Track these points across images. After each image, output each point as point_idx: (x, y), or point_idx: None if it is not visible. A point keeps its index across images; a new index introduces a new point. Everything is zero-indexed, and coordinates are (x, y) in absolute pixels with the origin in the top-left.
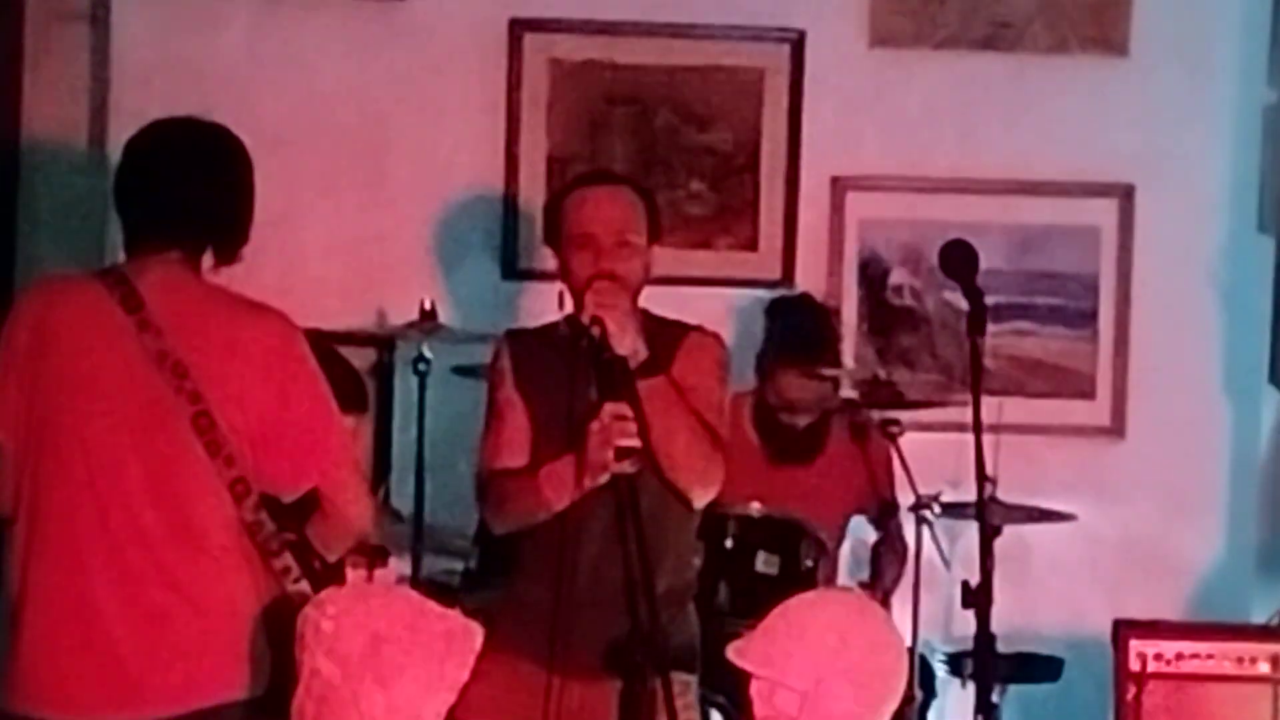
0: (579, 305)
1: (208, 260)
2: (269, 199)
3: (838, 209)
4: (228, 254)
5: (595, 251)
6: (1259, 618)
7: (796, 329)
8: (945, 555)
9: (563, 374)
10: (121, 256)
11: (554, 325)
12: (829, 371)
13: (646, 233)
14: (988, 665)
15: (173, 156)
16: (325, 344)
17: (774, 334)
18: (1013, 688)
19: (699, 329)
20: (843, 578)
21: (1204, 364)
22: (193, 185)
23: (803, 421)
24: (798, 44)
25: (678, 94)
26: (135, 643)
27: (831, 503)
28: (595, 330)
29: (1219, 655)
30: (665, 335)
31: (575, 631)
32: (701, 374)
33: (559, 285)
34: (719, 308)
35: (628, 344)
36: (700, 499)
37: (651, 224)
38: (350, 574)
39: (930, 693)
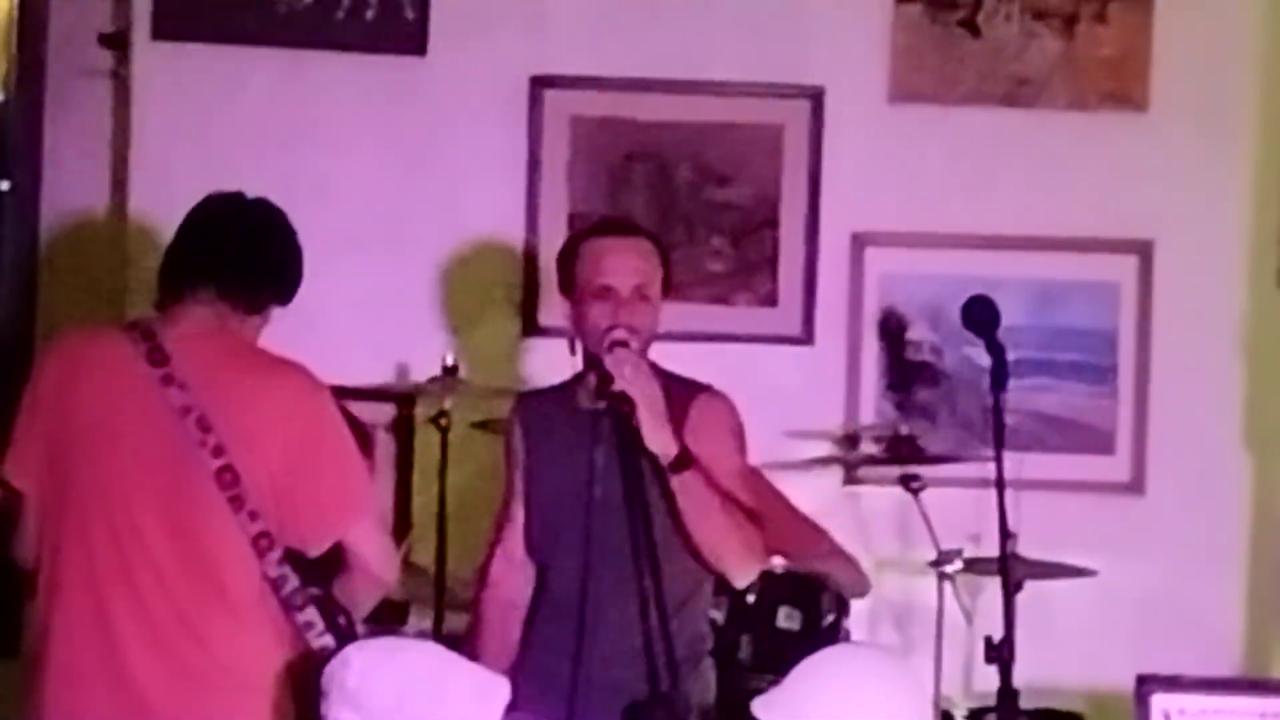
0: (593, 360)
1: (237, 311)
2: None
3: (857, 264)
4: (254, 306)
5: (614, 303)
6: None
7: None
8: (967, 611)
9: (577, 444)
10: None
11: (569, 386)
12: None
13: (660, 285)
14: None
15: (217, 217)
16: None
17: None
18: None
19: (708, 390)
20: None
21: (1224, 420)
22: (231, 239)
23: None
24: (817, 100)
25: (698, 150)
26: (162, 696)
27: None
28: (625, 409)
29: (1242, 711)
30: (674, 394)
31: (593, 697)
32: (717, 443)
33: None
34: (739, 364)
35: (661, 441)
36: (743, 579)
37: (665, 276)
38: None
39: None
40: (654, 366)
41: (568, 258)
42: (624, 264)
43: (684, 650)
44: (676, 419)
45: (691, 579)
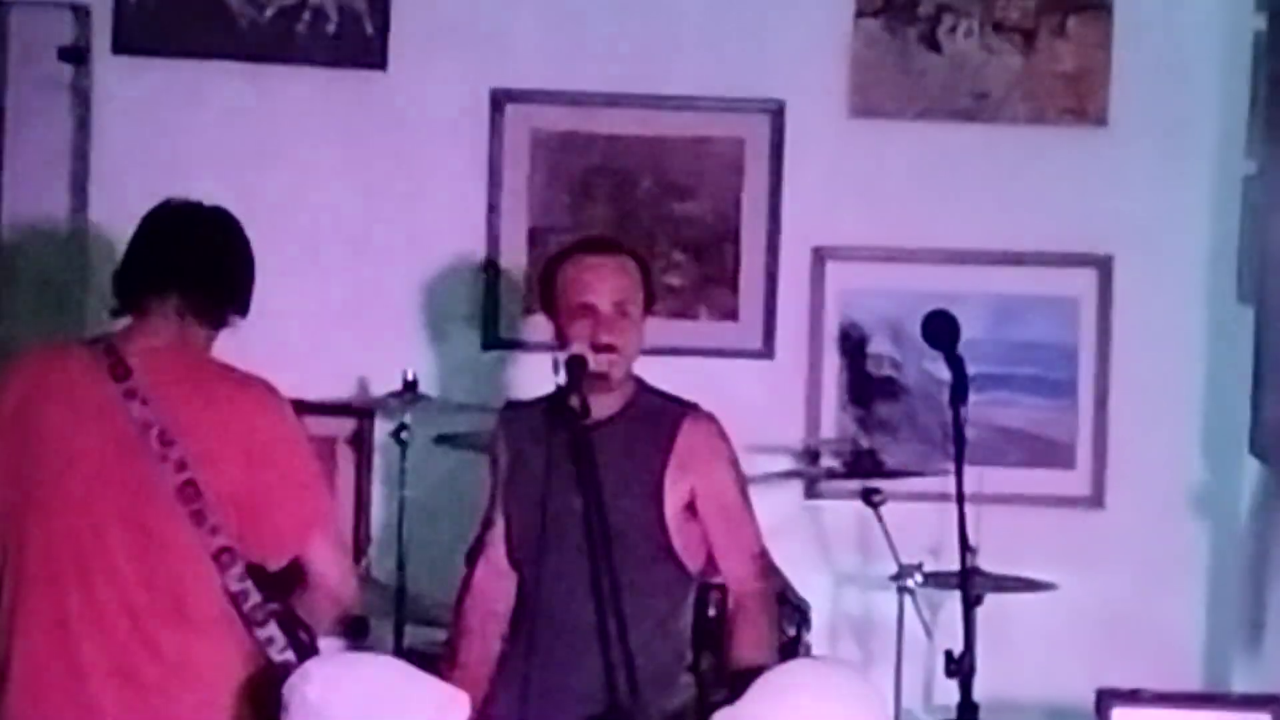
0: (571, 374)
1: (201, 324)
2: None
3: (818, 279)
4: (217, 318)
5: (594, 322)
6: (1240, 687)
7: None
8: (928, 625)
9: (555, 456)
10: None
11: (553, 398)
12: None
13: (643, 302)
14: None
15: (177, 226)
16: None
17: None
18: None
19: (694, 410)
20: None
21: (1183, 434)
22: (193, 249)
23: None
24: (778, 114)
25: (659, 164)
26: (122, 711)
27: None
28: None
29: None
30: (661, 414)
31: (565, 707)
32: (715, 477)
33: (539, 355)
34: (699, 378)
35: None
36: None
37: (647, 293)
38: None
39: None
40: (639, 382)
41: (548, 276)
42: (604, 281)
43: (662, 667)
44: (665, 441)
45: (672, 597)
